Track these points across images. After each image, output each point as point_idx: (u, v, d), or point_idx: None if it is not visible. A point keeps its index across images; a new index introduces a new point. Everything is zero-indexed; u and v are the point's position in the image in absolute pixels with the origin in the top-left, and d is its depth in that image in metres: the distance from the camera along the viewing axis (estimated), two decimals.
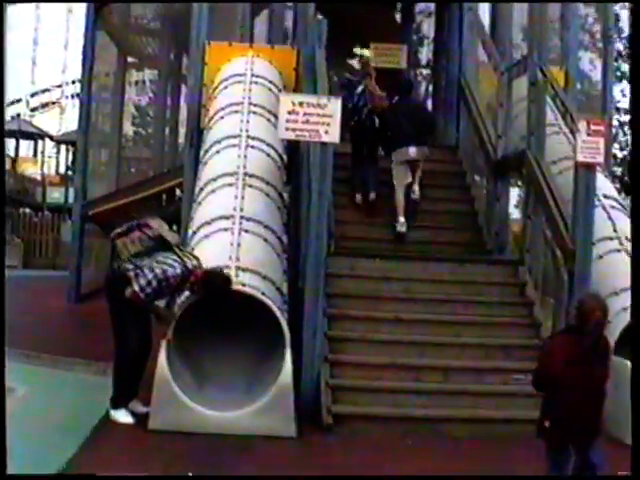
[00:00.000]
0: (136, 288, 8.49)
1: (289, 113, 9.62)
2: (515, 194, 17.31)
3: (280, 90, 12.50)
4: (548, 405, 6.54)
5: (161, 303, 8.84)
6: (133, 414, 8.87)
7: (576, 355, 6.31)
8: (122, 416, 8.80)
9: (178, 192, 17.03)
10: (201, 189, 10.96)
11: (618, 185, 19.14)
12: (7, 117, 53.09)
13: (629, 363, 7.08)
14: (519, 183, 16.29)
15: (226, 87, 12.72)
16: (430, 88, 18.01)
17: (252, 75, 12.78)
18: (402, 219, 12.62)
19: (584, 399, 6.32)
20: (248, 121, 11.69)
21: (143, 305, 8.62)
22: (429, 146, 13.13)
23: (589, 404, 6.37)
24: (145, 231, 8.92)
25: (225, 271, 8.98)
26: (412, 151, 12.70)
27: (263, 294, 8.91)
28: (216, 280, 8.77)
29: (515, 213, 17.27)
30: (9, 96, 57.23)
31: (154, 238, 8.90)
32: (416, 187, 12.84)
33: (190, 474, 6.98)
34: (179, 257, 8.69)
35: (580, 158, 10.00)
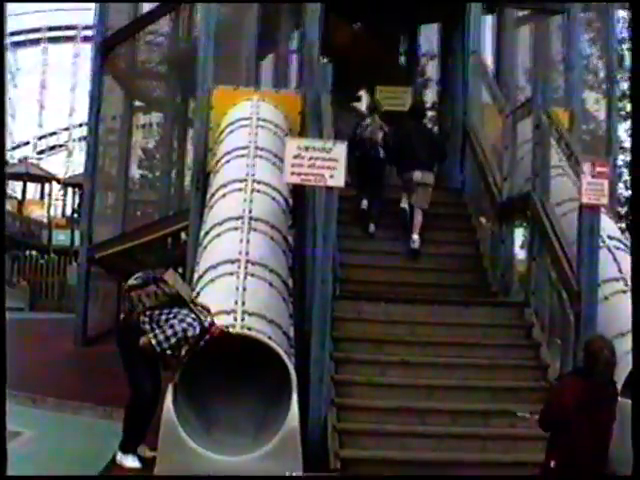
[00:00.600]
0: (153, 342, 8.52)
1: (295, 157, 9.64)
2: (520, 234, 17.31)
3: (286, 134, 12.58)
4: (554, 446, 6.58)
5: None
6: (140, 459, 8.86)
7: (586, 397, 6.48)
8: (130, 461, 8.78)
9: (183, 235, 17.06)
10: (207, 233, 10.98)
11: (623, 225, 19.11)
12: (14, 160, 53.44)
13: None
14: (524, 224, 16.29)
15: (232, 131, 12.80)
16: (435, 130, 18.04)
17: (258, 119, 12.87)
18: (415, 236, 13.14)
19: (591, 441, 6.44)
20: (254, 165, 11.74)
21: (153, 355, 8.64)
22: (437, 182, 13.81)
23: (595, 446, 6.48)
24: (161, 286, 8.92)
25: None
26: (418, 175, 13.27)
27: (270, 338, 8.87)
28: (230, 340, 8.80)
29: (520, 254, 17.25)
30: (16, 139, 57.60)
31: (170, 295, 8.91)
32: (415, 236, 13.15)
33: None
34: (196, 315, 8.68)
35: (585, 200, 10.01)
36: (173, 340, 8.48)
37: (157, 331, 8.52)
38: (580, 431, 6.41)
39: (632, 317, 5.05)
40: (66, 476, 5.35)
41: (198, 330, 8.53)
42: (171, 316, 8.63)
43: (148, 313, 8.75)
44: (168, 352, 8.56)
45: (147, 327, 8.61)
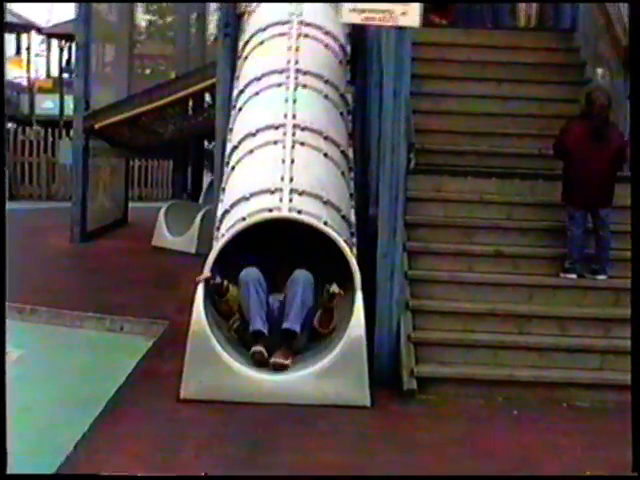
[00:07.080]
0: None
1: None
2: None
3: None
4: (566, 172, 10.59)
5: None
6: None
7: (585, 136, 10.30)
8: None
9: (208, 97, 17.04)
10: (241, 91, 10.99)
11: None
12: None
13: None
14: None
15: None
16: None
17: None
18: None
19: (592, 171, 10.20)
20: (300, 3, 11.67)
21: None
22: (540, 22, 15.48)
23: (599, 175, 10.24)
24: None
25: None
26: None
27: (325, 223, 8.95)
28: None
29: None
30: None
31: None
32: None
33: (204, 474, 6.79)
34: None
35: None
36: None
37: None
38: (581, 162, 10.25)
39: (631, 317, 5.20)
40: (65, 475, 5.56)
41: None
42: None
43: None
44: None
45: None
